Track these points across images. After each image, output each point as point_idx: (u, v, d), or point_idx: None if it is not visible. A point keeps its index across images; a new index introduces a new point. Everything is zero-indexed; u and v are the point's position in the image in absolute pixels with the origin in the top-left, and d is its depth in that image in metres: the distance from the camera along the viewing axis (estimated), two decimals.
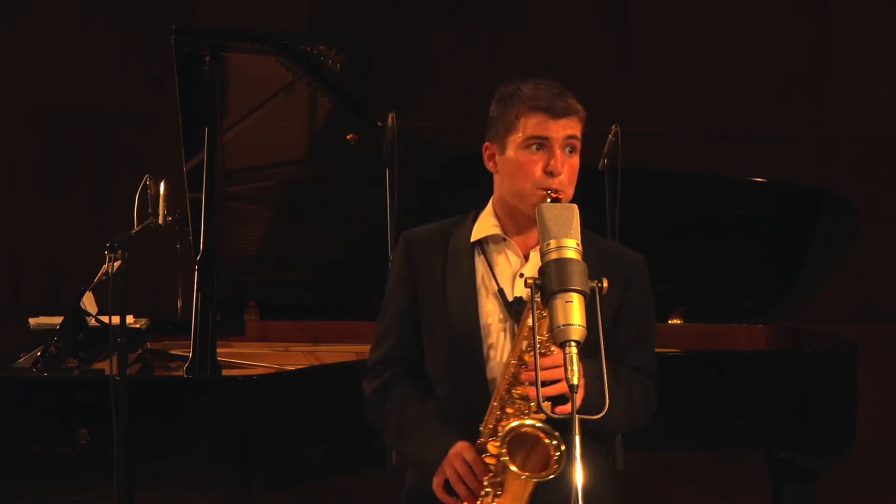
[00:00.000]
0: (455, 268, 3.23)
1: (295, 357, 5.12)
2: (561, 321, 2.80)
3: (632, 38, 7.87)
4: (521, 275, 3.20)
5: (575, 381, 2.76)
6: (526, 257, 3.23)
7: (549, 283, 2.83)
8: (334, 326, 5.30)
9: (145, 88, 7.40)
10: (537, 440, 3.02)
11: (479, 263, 3.24)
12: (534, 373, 2.88)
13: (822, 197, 5.45)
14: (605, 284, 2.87)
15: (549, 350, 3.02)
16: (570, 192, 3.19)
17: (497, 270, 3.22)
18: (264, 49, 4.85)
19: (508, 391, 3.09)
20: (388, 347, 3.31)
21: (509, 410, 3.08)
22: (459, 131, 6.44)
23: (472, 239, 3.25)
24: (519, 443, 3.04)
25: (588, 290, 2.84)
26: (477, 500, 3.11)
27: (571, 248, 2.86)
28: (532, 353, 3.01)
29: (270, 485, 4.35)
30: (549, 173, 3.14)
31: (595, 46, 7.75)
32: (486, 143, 3.26)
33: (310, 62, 4.88)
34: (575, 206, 2.99)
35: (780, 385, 4.89)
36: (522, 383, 3.06)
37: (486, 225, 3.25)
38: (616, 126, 4.53)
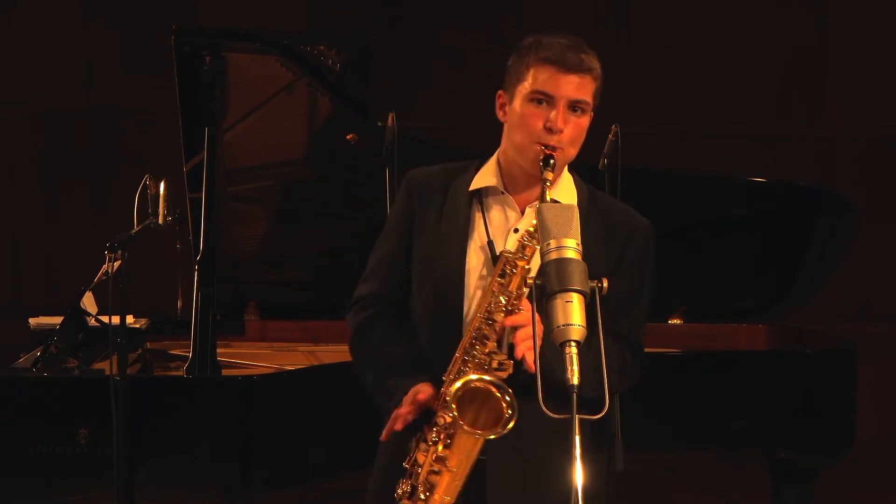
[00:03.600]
0: (451, 215, 3.20)
1: (295, 357, 5.12)
2: (561, 321, 2.79)
3: (632, 38, 7.87)
4: (516, 230, 3.17)
5: (575, 381, 2.76)
6: (522, 212, 3.20)
7: (549, 283, 2.83)
8: (334, 326, 5.29)
9: (145, 88, 7.40)
10: (490, 396, 3.00)
11: (476, 214, 3.20)
12: (502, 332, 2.91)
13: (822, 197, 5.45)
14: (605, 284, 2.87)
15: (518, 308, 3.02)
16: (572, 153, 3.15)
17: (492, 223, 3.19)
18: (264, 49, 4.86)
19: (472, 344, 3.06)
20: (376, 283, 3.28)
21: (470, 364, 3.06)
22: (459, 131, 6.45)
23: (471, 188, 3.21)
24: (471, 398, 3.02)
25: (588, 290, 2.83)
26: (412, 435, 3.07)
27: (571, 248, 2.86)
28: (500, 308, 3.01)
29: (271, 485, 4.35)
30: (549, 129, 3.11)
31: (595, 46, 7.73)
32: (499, 92, 3.22)
33: (310, 62, 4.88)
34: (575, 206, 2.98)
35: (780, 385, 4.89)
36: (487, 339, 3.04)
37: (486, 176, 3.21)
38: (616, 126, 4.53)
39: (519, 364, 3.02)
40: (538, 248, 2.89)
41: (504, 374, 3.04)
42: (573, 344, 2.77)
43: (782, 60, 7.97)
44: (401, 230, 3.26)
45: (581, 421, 2.75)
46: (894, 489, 6.70)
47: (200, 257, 4.59)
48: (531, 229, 3.04)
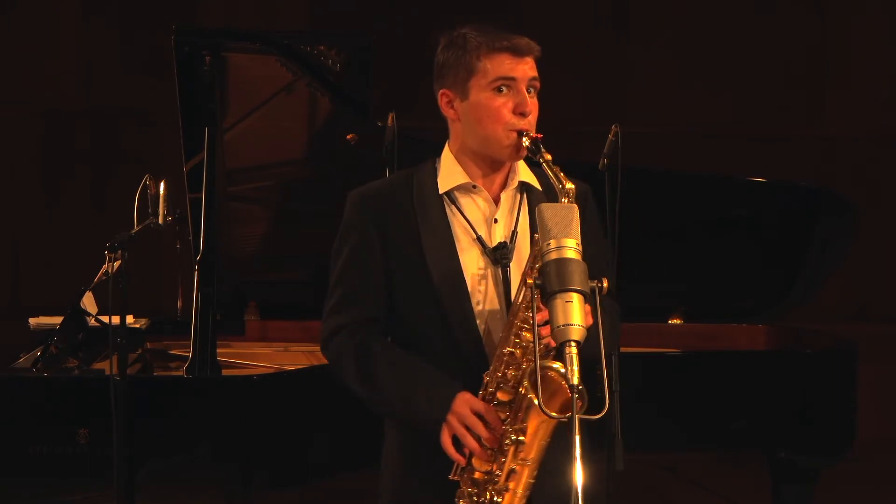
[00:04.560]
0: (429, 222, 3.17)
1: (295, 357, 5.12)
2: (561, 321, 2.79)
3: (632, 38, 7.87)
4: (496, 220, 3.16)
5: (575, 381, 2.76)
6: (496, 201, 3.19)
7: (549, 283, 2.83)
8: None
9: (145, 88, 7.40)
10: (552, 382, 2.90)
11: (451, 214, 3.19)
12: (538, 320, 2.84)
13: (822, 197, 5.45)
14: (605, 285, 2.87)
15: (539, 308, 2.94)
16: (534, 129, 3.15)
17: (471, 219, 3.17)
18: (264, 49, 4.86)
19: (516, 335, 3.02)
20: (355, 310, 3.20)
21: (517, 352, 3.01)
22: None
23: (442, 190, 3.19)
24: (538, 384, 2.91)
25: (588, 290, 2.83)
26: (490, 452, 3.00)
27: (571, 248, 2.86)
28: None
29: (271, 485, 4.35)
30: (521, 114, 3.11)
31: (595, 46, 7.75)
32: (443, 90, 3.23)
33: (310, 62, 4.88)
34: (575, 206, 2.97)
35: (780, 385, 4.89)
36: (528, 329, 2.98)
37: (452, 174, 3.20)
38: (616, 126, 4.53)
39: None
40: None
41: (553, 363, 2.93)
42: (573, 344, 2.77)
43: (782, 60, 7.97)
44: (370, 249, 3.20)
45: (581, 420, 2.75)
46: (894, 489, 6.70)
47: (200, 257, 4.59)
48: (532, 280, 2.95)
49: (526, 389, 2.96)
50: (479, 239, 3.16)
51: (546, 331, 2.88)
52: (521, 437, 2.97)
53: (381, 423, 3.32)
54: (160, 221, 4.63)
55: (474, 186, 3.19)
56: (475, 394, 3.05)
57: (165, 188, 4.64)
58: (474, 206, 3.19)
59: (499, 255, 3.14)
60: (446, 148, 3.27)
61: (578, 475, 2.74)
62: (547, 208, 2.92)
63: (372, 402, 3.21)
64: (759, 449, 4.99)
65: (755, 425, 4.87)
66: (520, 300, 3.03)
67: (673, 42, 7.91)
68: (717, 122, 7.89)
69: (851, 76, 8.02)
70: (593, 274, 2.90)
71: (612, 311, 3.24)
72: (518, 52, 3.14)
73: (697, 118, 7.85)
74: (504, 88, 3.13)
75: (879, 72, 8.04)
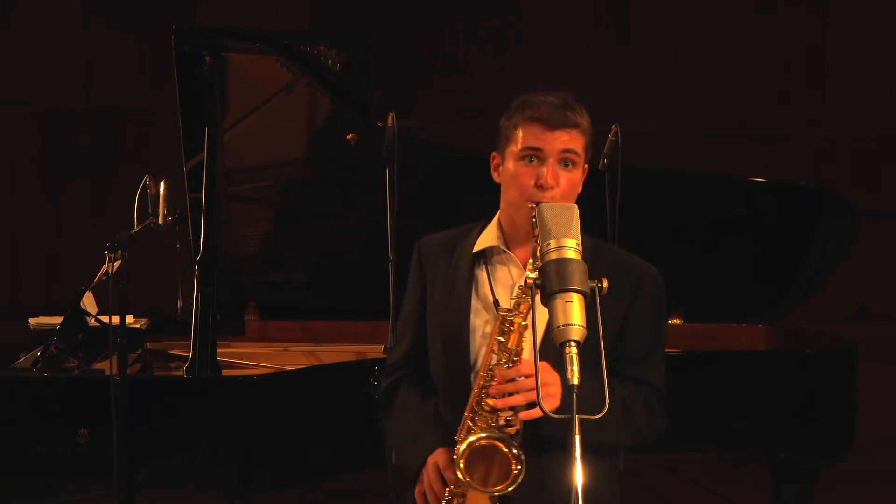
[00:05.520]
0: (455, 276, 3.23)
1: (295, 357, 5.12)
2: (561, 321, 2.79)
3: (632, 38, 7.88)
4: (520, 287, 3.17)
5: (575, 381, 2.76)
6: (525, 266, 3.20)
7: (549, 282, 2.83)
8: (334, 326, 5.30)
9: (145, 88, 7.40)
10: (497, 451, 3.04)
11: (481, 274, 3.22)
12: (503, 387, 2.99)
13: (822, 197, 5.45)
14: (605, 284, 2.87)
15: (513, 361, 3.06)
16: None
17: (497, 282, 3.21)
18: (264, 49, 4.85)
19: (478, 403, 3.09)
20: (402, 349, 3.35)
21: (478, 422, 3.09)
22: (459, 131, 6.46)
23: (475, 250, 3.24)
24: (480, 455, 3.05)
25: (588, 290, 2.83)
26: None
27: (571, 248, 2.86)
28: (500, 366, 3.06)
29: (270, 485, 4.35)
30: (540, 186, 3.11)
31: (595, 46, 7.75)
32: (493, 153, 3.24)
33: (310, 62, 4.88)
34: (575, 206, 2.98)
35: (780, 385, 4.89)
36: (490, 396, 3.07)
37: (488, 236, 3.24)
38: (616, 126, 4.53)
39: (527, 421, 3.05)
40: (535, 298, 2.87)
41: (512, 431, 3.06)
42: (573, 344, 2.77)
43: (782, 60, 7.97)
44: (415, 293, 3.31)
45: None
46: (894, 489, 6.70)
47: (200, 257, 4.59)
48: (523, 284, 3.05)
49: (459, 458, 3.05)
50: (495, 302, 3.18)
51: (504, 390, 3.04)
52: (462, 501, 3.12)
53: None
54: (160, 221, 4.63)
55: (504, 251, 3.22)
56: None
57: (165, 188, 4.63)
58: (504, 271, 3.22)
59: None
60: (499, 210, 3.29)
61: (578, 475, 2.74)
62: (547, 208, 2.93)
63: (388, 442, 3.46)
64: (759, 449, 4.99)
65: (755, 425, 4.87)
66: (485, 368, 3.09)
67: (673, 42, 7.91)
68: (717, 122, 7.89)
69: (851, 76, 8.03)
70: (629, 364, 3.10)
71: (640, 401, 3.20)
72: (549, 125, 3.12)
73: (697, 118, 7.85)
74: (533, 159, 3.13)
75: (879, 72, 8.04)
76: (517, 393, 3.04)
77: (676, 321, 5.43)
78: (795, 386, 4.90)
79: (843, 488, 5.84)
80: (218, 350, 4.53)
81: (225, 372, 4.59)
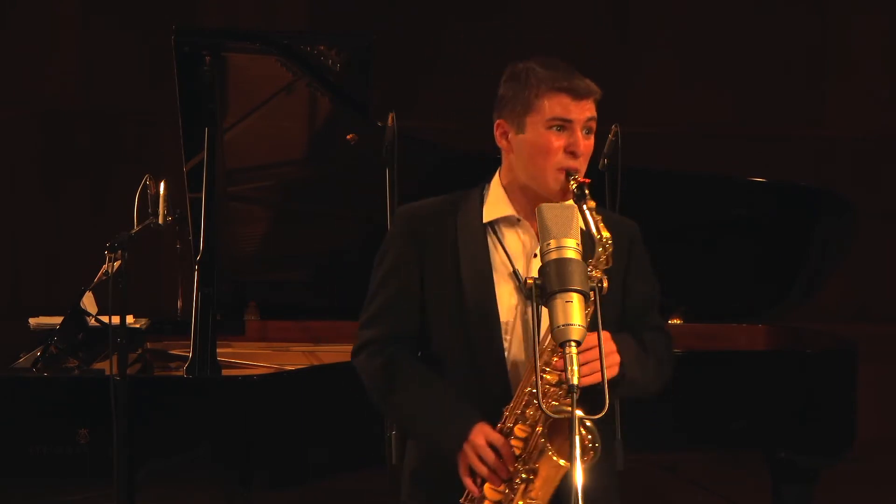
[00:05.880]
0: (469, 249, 3.19)
1: (295, 357, 5.12)
2: (561, 321, 2.80)
3: (632, 38, 7.88)
4: (535, 255, 3.14)
5: (575, 381, 2.76)
6: (538, 236, 3.21)
7: (550, 282, 2.83)
8: (334, 326, 5.29)
9: (145, 88, 7.40)
10: (566, 426, 2.91)
11: (492, 244, 3.20)
12: (563, 362, 2.83)
13: (822, 197, 5.45)
14: (605, 284, 2.88)
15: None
16: (584, 170, 3.18)
17: (511, 252, 3.19)
18: (264, 49, 4.86)
19: (540, 376, 3.01)
20: (388, 325, 3.23)
21: (541, 398, 2.99)
22: (459, 131, 6.45)
23: (485, 220, 3.21)
24: (555, 429, 2.99)
25: (588, 290, 2.84)
26: (501, 484, 3.04)
27: (571, 248, 2.86)
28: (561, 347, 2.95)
29: (270, 485, 4.35)
30: (571, 153, 3.13)
31: (595, 46, 7.75)
32: (499, 121, 3.21)
33: (310, 62, 4.88)
34: (575, 206, 2.99)
35: (780, 385, 4.89)
36: (554, 370, 3.01)
37: (498, 206, 3.22)
38: (616, 126, 4.53)
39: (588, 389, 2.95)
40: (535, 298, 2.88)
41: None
42: (573, 344, 2.78)
43: (782, 60, 7.97)
44: (408, 269, 3.22)
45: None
46: (894, 489, 6.70)
47: (200, 257, 4.59)
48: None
49: (541, 433, 2.98)
50: (515, 273, 3.17)
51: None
52: (532, 477, 3.01)
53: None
54: (160, 221, 4.63)
55: (518, 220, 3.21)
56: (493, 423, 3.08)
57: (165, 188, 4.64)
58: (516, 239, 3.21)
59: (529, 292, 3.14)
60: (496, 177, 3.26)
61: (578, 475, 2.74)
62: (547, 208, 2.94)
63: (393, 417, 3.30)
64: (759, 449, 4.99)
65: (755, 425, 4.87)
66: (547, 342, 3.04)
67: (673, 42, 7.91)
68: (717, 122, 7.89)
69: (851, 76, 8.03)
70: (642, 314, 3.18)
71: (660, 345, 3.27)
72: (577, 95, 3.14)
73: (697, 118, 7.85)
74: (559, 128, 3.14)
75: (879, 72, 8.04)
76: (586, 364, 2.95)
77: (676, 321, 5.43)
78: (795, 386, 4.90)
79: (843, 488, 5.84)
80: (218, 350, 4.53)
81: (225, 372, 4.59)
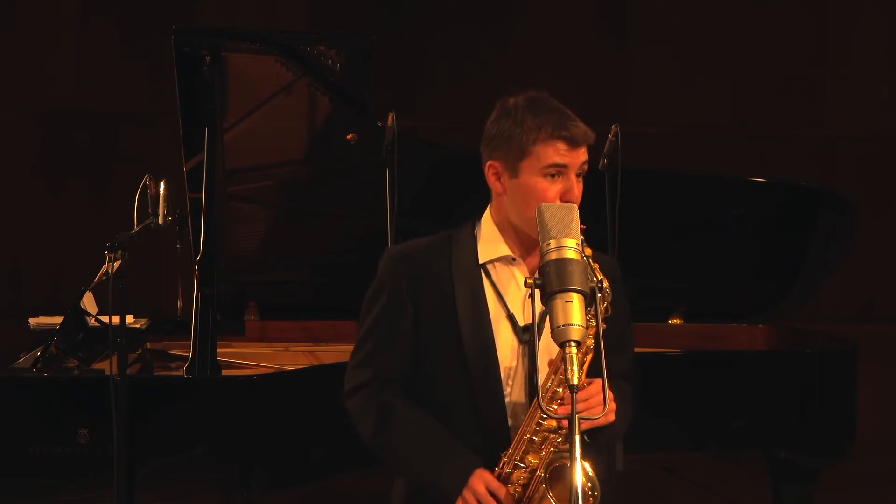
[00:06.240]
0: (465, 292, 3.18)
1: (295, 357, 5.12)
2: (561, 321, 2.79)
3: (632, 38, 7.87)
4: (531, 295, 3.15)
5: (575, 381, 2.76)
6: (533, 275, 3.20)
7: (549, 282, 2.83)
8: (334, 326, 5.29)
9: (145, 88, 7.40)
10: (567, 471, 2.92)
11: (488, 286, 3.20)
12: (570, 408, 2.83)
13: (822, 196, 5.45)
14: (606, 284, 2.88)
15: (583, 384, 2.93)
16: None
17: (508, 293, 3.19)
18: (264, 49, 4.86)
19: (539, 422, 3.06)
20: (379, 367, 3.22)
21: (536, 439, 3.06)
22: (459, 131, 6.45)
23: (481, 261, 3.20)
24: (555, 476, 3.01)
25: (588, 290, 2.84)
26: None
27: (571, 248, 2.86)
28: (562, 391, 3.02)
29: (270, 485, 4.35)
30: (567, 201, 3.11)
31: (595, 46, 7.74)
32: (491, 162, 3.19)
33: (310, 62, 4.88)
34: (575, 206, 2.99)
35: (780, 385, 4.90)
36: (553, 416, 3.02)
37: (493, 245, 3.21)
38: (616, 126, 4.53)
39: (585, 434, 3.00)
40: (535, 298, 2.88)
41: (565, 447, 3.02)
42: (573, 344, 2.78)
43: (782, 60, 7.97)
44: (401, 313, 3.20)
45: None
46: (894, 489, 6.70)
47: (200, 257, 4.59)
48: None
49: (542, 479, 3.00)
50: (510, 316, 3.17)
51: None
52: None
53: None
54: (160, 221, 4.63)
55: (514, 258, 3.20)
56: (491, 468, 3.10)
57: (165, 188, 4.64)
58: (511, 280, 3.20)
59: (525, 337, 3.15)
60: (487, 215, 3.25)
61: (578, 475, 2.74)
62: (547, 208, 2.93)
63: (389, 460, 3.27)
64: (759, 449, 4.99)
65: (755, 425, 4.87)
66: (548, 385, 3.05)
67: (672, 42, 7.90)
68: (717, 122, 7.89)
69: (851, 76, 8.02)
70: (617, 351, 3.10)
71: (628, 394, 3.26)
72: (574, 143, 3.13)
73: (697, 118, 7.85)
74: (555, 175, 3.13)
75: (879, 72, 8.04)
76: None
77: (676, 321, 5.43)
78: (795, 386, 4.90)
79: (843, 488, 5.84)
80: (218, 350, 4.53)
81: (225, 372, 4.59)
